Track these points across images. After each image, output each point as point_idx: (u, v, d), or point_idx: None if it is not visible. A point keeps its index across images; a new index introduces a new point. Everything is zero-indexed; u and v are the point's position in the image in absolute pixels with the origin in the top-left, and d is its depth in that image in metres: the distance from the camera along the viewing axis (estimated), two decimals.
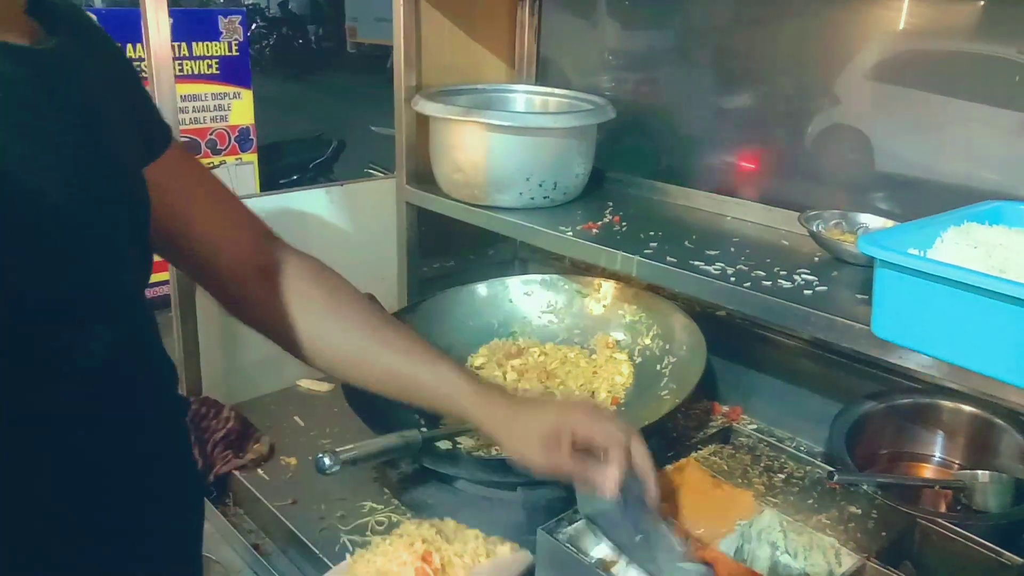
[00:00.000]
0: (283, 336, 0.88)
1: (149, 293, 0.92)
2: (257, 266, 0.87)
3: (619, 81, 1.72)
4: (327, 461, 0.92)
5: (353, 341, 0.90)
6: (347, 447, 0.96)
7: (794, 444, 1.35)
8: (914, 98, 1.30)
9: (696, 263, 1.13)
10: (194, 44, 3.88)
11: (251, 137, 4.08)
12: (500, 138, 1.34)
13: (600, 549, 0.98)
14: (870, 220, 1.24)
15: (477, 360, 1.47)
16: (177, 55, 3.65)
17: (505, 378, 1.42)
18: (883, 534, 1.00)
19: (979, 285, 0.77)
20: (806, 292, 1.04)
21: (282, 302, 0.87)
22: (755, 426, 1.42)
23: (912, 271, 0.84)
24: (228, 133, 4.01)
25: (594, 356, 1.45)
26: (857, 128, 1.40)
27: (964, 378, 0.86)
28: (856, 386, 1.31)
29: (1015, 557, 0.95)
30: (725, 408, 1.48)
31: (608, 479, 0.87)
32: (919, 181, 1.31)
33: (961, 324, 0.80)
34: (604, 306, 1.51)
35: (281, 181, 4.62)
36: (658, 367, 1.37)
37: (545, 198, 1.39)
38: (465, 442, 1.25)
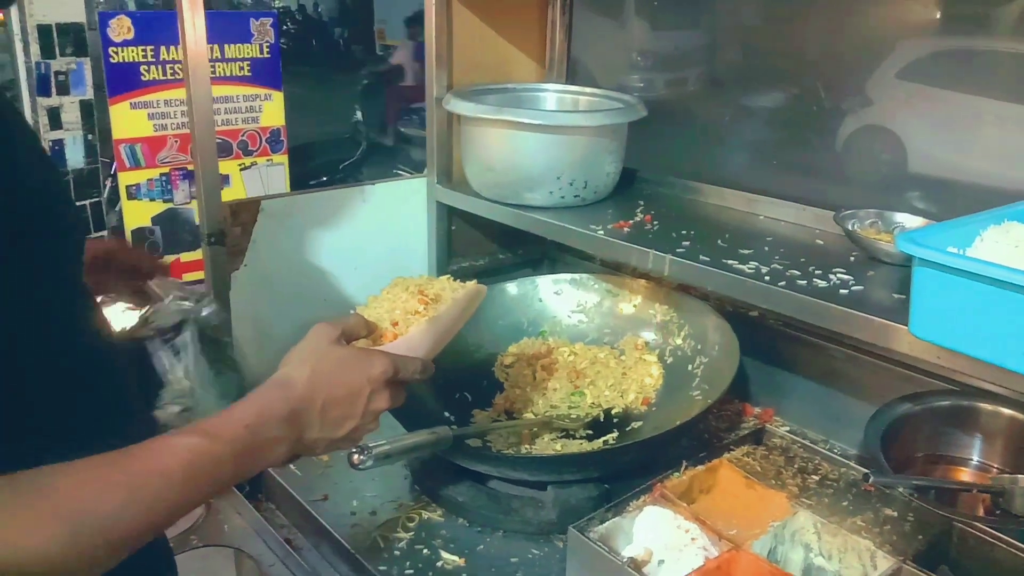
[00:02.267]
0: None
1: None
2: None
3: (649, 80, 1.72)
4: (359, 457, 0.93)
5: None
6: (379, 442, 0.96)
7: (827, 446, 1.33)
8: (946, 97, 1.29)
9: (730, 262, 1.13)
10: (226, 46, 3.92)
11: (282, 138, 4.12)
12: (531, 136, 1.34)
13: (631, 548, 0.98)
14: (906, 219, 1.22)
15: (507, 359, 1.47)
16: (209, 57, 3.71)
17: (535, 377, 1.42)
18: (919, 537, 0.99)
19: (1021, 284, 0.75)
20: (842, 292, 1.03)
21: None
22: (787, 428, 1.40)
23: (952, 269, 0.83)
24: (259, 134, 4.05)
25: (623, 357, 1.44)
26: (889, 128, 1.38)
27: (1004, 379, 0.84)
28: (890, 388, 1.29)
29: None
30: (757, 410, 1.47)
31: None
32: (952, 181, 1.29)
33: (1002, 324, 0.79)
34: (635, 306, 1.50)
35: (311, 182, 4.66)
36: (690, 367, 1.36)
37: (576, 197, 1.39)
38: (496, 441, 1.25)
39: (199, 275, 2.18)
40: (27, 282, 0.61)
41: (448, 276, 1.06)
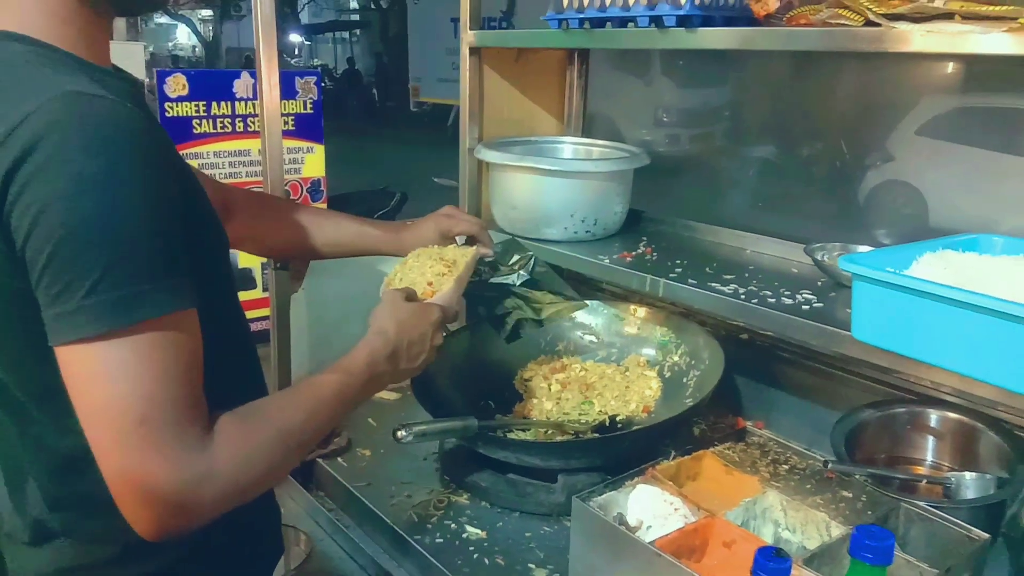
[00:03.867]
0: (260, 246, 1.41)
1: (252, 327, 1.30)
2: (220, 208, 1.14)
3: (657, 133, 1.96)
4: (402, 432, 1.14)
5: (300, 228, 1.36)
6: (418, 421, 1.18)
7: (793, 440, 1.51)
8: (966, 153, 1.42)
9: (713, 284, 1.34)
10: (279, 103, 4.25)
11: (322, 188, 4.40)
12: (549, 180, 1.57)
13: (625, 516, 1.17)
14: (865, 249, 1.42)
15: (527, 373, 1.68)
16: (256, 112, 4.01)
17: (550, 389, 1.62)
18: (869, 513, 1.17)
19: (935, 292, 0.95)
20: (804, 307, 1.23)
21: (247, 223, 1.29)
22: (775, 440, 1.59)
23: (880, 282, 1.03)
24: (301, 184, 4.34)
25: (627, 372, 1.65)
26: (910, 183, 1.51)
27: (929, 374, 1.04)
28: (864, 400, 1.47)
29: (982, 533, 1.10)
30: (748, 423, 1.65)
31: (487, 244, 1.41)
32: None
33: (922, 326, 0.98)
34: (638, 328, 1.71)
35: None
36: (684, 380, 1.56)
37: (587, 232, 1.61)
38: (517, 435, 1.45)
39: (264, 311, 2.40)
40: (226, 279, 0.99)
41: (454, 244, 1.38)
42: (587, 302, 1.67)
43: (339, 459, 1.53)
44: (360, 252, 1.42)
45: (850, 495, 1.21)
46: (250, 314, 2.55)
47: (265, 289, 3.48)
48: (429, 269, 1.25)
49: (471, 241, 1.43)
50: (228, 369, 0.90)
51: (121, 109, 0.77)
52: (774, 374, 1.66)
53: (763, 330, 1.29)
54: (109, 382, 0.75)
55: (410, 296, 1.17)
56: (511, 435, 1.43)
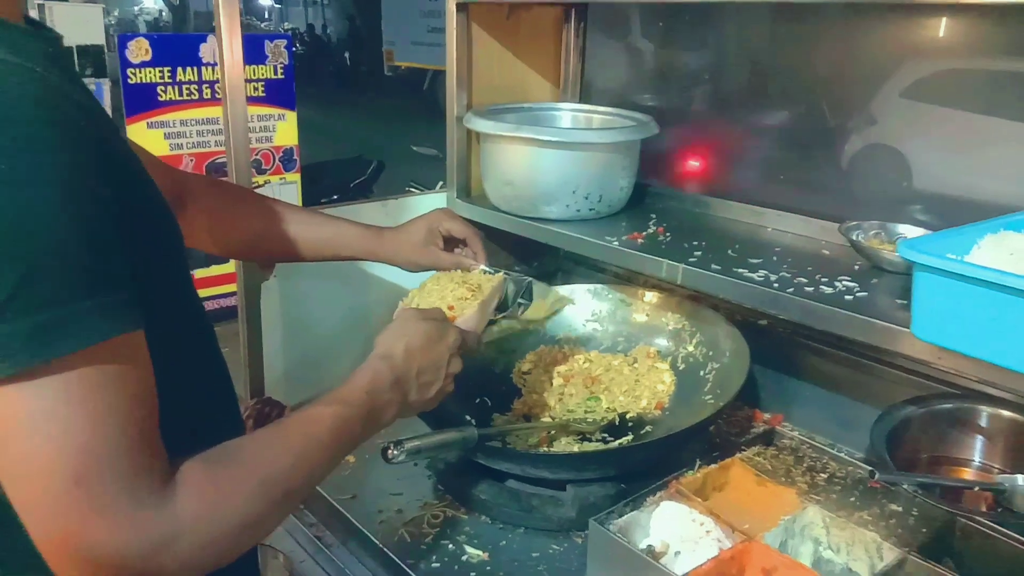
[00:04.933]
0: (217, 245, 1.18)
1: (214, 304, 1.10)
2: (172, 199, 0.98)
3: (660, 98, 1.79)
4: (393, 451, 0.99)
5: (264, 225, 1.17)
6: (410, 437, 1.02)
7: (836, 450, 1.38)
8: (951, 117, 1.34)
9: (740, 271, 1.18)
10: (243, 68, 4.03)
11: (295, 158, 4.21)
12: (549, 153, 1.41)
13: (648, 541, 1.03)
14: (908, 230, 1.28)
15: (525, 366, 1.52)
16: None
17: (552, 384, 1.47)
18: (923, 531, 1.04)
19: (1012, 286, 0.81)
20: (847, 297, 1.08)
21: (201, 218, 1.11)
22: (796, 432, 1.45)
23: (950, 274, 0.88)
24: (273, 153, 4.14)
25: (636, 364, 1.50)
26: (894, 147, 1.44)
27: (1001, 377, 0.90)
28: (895, 393, 1.35)
29: None
30: (766, 415, 1.52)
31: (480, 254, 1.27)
32: (956, 199, 1.34)
33: (997, 324, 0.84)
34: (648, 315, 1.56)
35: (323, 200, 4.74)
36: (702, 373, 1.42)
37: (591, 210, 1.45)
38: (515, 443, 1.30)
39: (211, 291, 2.25)
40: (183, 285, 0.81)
41: (480, 269, 1.25)
42: (573, 300, 1.56)
43: None
44: (335, 255, 1.26)
45: (899, 508, 1.07)
46: (219, 289, 2.37)
47: None
48: (451, 293, 1.13)
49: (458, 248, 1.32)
50: (191, 400, 0.74)
51: (30, 77, 0.59)
52: (794, 363, 1.52)
53: (800, 323, 1.15)
54: (29, 436, 0.58)
55: (430, 316, 1.02)
56: (513, 442, 1.28)
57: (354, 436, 0.84)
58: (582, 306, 1.61)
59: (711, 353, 1.43)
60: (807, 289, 1.11)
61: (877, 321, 1.00)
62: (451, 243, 1.29)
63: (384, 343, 0.95)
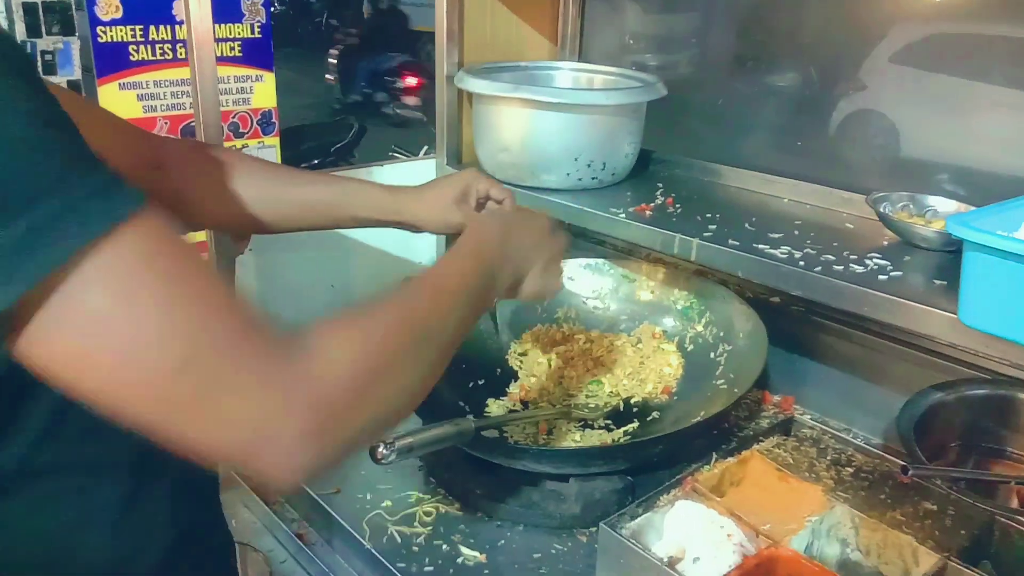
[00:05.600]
0: (205, 217, 1.01)
1: None
2: (147, 164, 0.90)
3: (662, 59, 1.67)
4: (382, 451, 0.88)
5: (260, 188, 1.00)
6: (401, 434, 0.92)
7: (851, 435, 1.30)
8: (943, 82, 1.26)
9: (760, 247, 1.08)
10: (216, 26, 3.84)
11: (273, 120, 4.04)
12: (548, 115, 1.29)
13: (663, 545, 0.94)
14: (939, 203, 1.18)
15: (521, 347, 1.42)
16: None
17: (551, 365, 1.38)
18: (962, 532, 0.95)
19: None
20: (881, 277, 0.98)
21: (186, 184, 0.95)
22: (809, 416, 1.37)
23: (1009, 254, 0.79)
24: (250, 116, 3.97)
25: (640, 345, 1.40)
26: (889, 113, 1.35)
27: None
28: (914, 374, 1.26)
29: None
30: (777, 398, 1.43)
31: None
32: (977, 169, 1.25)
33: None
34: (652, 292, 1.46)
35: (303, 165, 4.59)
36: (712, 355, 1.32)
37: (593, 179, 1.34)
38: (513, 432, 1.21)
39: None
40: None
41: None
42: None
43: None
44: (351, 219, 1.07)
45: (934, 507, 0.99)
46: None
47: None
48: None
49: None
50: None
51: None
52: (806, 342, 1.42)
53: (828, 305, 1.05)
54: (90, 348, 0.48)
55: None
56: (511, 432, 1.18)
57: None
58: (581, 282, 1.50)
59: (722, 334, 1.33)
60: (836, 268, 1.01)
61: (918, 305, 0.91)
62: (480, 208, 1.13)
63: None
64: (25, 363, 0.48)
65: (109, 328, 0.48)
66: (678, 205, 1.27)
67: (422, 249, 1.62)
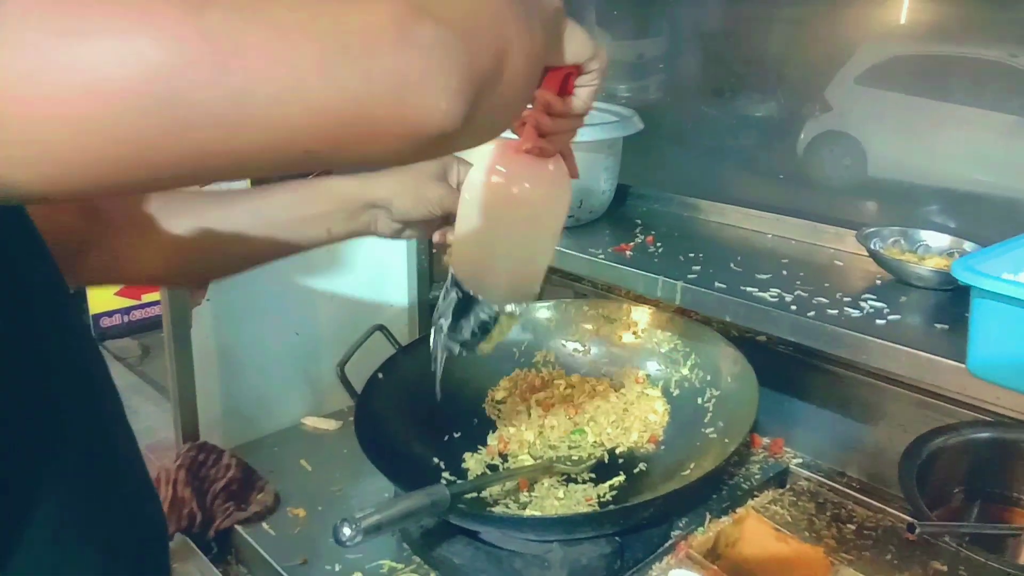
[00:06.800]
0: (143, 272, 0.83)
1: (140, 315, 0.75)
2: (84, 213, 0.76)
3: (634, 86, 1.62)
4: (347, 532, 0.80)
5: (196, 220, 0.81)
6: (368, 511, 0.84)
7: (846, 480, 1.24)
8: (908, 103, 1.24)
9: (748, 289, 1.02)
10: None
11: None
12: None
13: None
14: (930, 237, 1.13)
15: (499, 394, 1.35)
16: None
17: (530, 414, 1.30)
18: None
19: None
20: (879, 322, 0.93)
21: (117, 237, 0.78)
22: (801, 459, 1.30)
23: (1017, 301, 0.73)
24: None
25: (623, 391, 1.33)
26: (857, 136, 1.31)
27: None
28: (908, 414, 1.21)
29: None
30: (766, 440, 1.36)
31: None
32: (976, 195, 1.22)
33: None
34: (635, 333, 1.39)
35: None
36: (700, 401, 1.25)
37: (570, 217, 1.28)
38: (492, 489, 1.13)
39: (130, 303, 2.03)
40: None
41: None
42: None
43: (264, 524, 1.18)
44: (302, 234, 0.86)
45: (944, 567, 0.93)
46: (143, 300, 2.16)
47: None
48: None
49: None
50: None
51: None
52: (795, 382, 1.36)
53: (826, 350, 1.00)
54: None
55: None
56: (489, 492, 1.10)
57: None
58: (561, 324, 1.43)
59: (709, 378, 1.27)
60: (831, 312, 0.95)
61: (922, 354, 0.85)
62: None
63: None
64: None
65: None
66: (659, 244, 1.21)
67: (392, 293, 1.55)
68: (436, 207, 0.86)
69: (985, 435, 1.09)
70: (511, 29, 0.48)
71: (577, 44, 0.64)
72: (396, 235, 0.90)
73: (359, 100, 0.38)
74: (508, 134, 0.63)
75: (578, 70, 0.65)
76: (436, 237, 0.90)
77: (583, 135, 1.25)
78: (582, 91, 0.67)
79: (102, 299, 2.03)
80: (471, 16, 0.44)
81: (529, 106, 0.68)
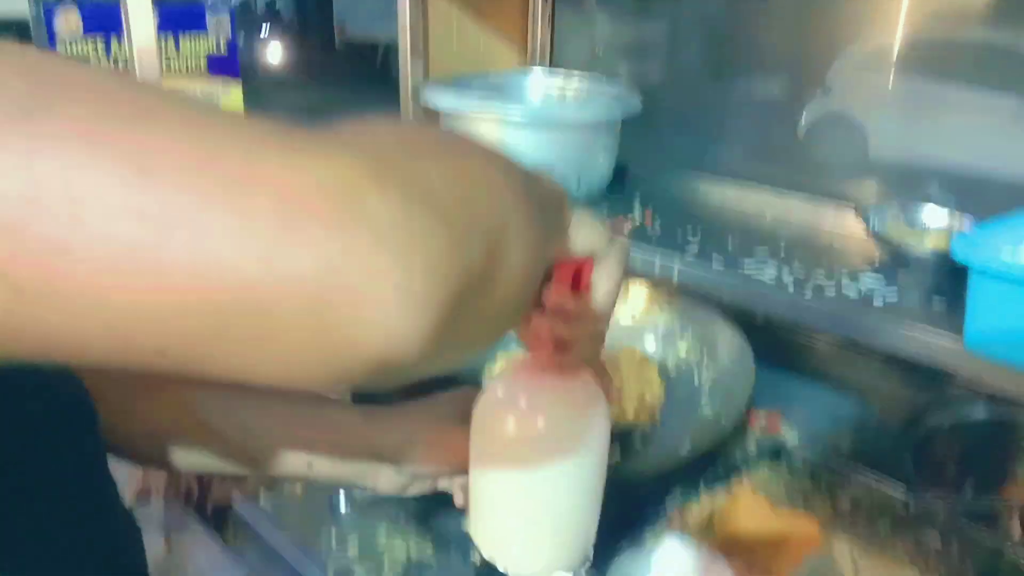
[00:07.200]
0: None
1: None
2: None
3: (634, 66, 1.61)
4: (343, 504, 0.80)
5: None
6: None
7: (843, 457, 1.24)
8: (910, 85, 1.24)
9: (746, 268, 1.02)
10: (180, 40, 3.75)
11: None
12: (520, 132, 1.22)
13: None
14: (930, 212, 1.13)
15: (497, 369, 1.35)
16: (163, 50, 3.53)
17: None
18: (967, 565, 0.90)
19: None
20: (876, 300, 0.93)
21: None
22: (798, 434, 1.31)
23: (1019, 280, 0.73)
24: None
25: (620, 369, 1.33)
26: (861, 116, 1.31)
27: None
28: (907, 391, 1.22)
29: None
30: (762, 414, 1.36)
31: None
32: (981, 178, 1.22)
33: None
34: (632, 311, 1.39)
35: None
36: (696, 379, 1.26)
37: None
38: None
39: None
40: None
41: None
42: None
43: (261, 499, 1.18)
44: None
45: (938, 539, 0.93)
46: None
47: None
48: None
49: None
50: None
51: None
52: (792, 358, 1.37)
53: (823, 329, 1.00)
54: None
55: None
56: None
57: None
58: None
59: (706, 355, 1.27)
60: (828, 292, 0.95)
61: (918, 335, 0.85)
62: None
63: None
64: None
65: None
66: (657, 221, 1.21)
67: None
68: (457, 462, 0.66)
69: (981, 411, 1.09)
70: (510, 213, 0.37)
71: (587, 231, 0.51)
72: (400, 491, 0.76)
73: (249, 283, 0.27)
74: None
75: (590, 263, 0.52)
76: (458, 500, 0.76)
77: (582, 115, 1.26)
78: (600, 284, 0.52)
79: None
80: (455, 189, 0.34)
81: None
